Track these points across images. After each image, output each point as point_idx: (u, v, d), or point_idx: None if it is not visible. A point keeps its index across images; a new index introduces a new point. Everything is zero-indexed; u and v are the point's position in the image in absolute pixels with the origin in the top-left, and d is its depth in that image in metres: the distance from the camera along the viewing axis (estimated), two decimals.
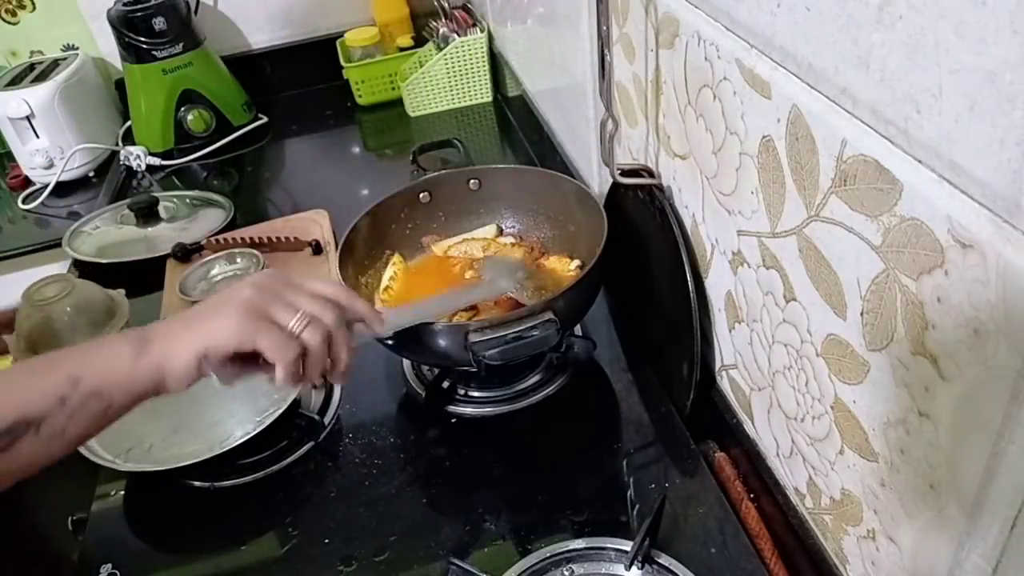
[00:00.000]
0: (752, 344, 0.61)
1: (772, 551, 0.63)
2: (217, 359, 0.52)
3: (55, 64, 1.41)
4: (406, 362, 0.87)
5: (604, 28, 0.65)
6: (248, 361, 0.54)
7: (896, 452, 0.43)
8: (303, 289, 0.56)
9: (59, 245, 1.16)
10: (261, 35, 1.60)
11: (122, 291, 0.98)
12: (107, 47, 1.50)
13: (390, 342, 0.77)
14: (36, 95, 1.31)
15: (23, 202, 1.34)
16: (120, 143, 1.48)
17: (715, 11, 0.54)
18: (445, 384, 0.81)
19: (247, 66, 1.57)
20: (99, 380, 0.50)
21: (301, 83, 1.64)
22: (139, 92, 1.42)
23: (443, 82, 1.45)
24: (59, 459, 0.51)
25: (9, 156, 1.42)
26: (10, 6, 1.48)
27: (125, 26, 1.35)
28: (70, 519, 0.76)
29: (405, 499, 0.73)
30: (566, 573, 0.62)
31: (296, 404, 0.79)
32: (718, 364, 0.71)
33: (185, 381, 0.52)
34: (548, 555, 0.63)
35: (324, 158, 1.47)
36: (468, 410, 0.81)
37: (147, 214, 1.19)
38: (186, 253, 1.09)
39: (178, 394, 0.53)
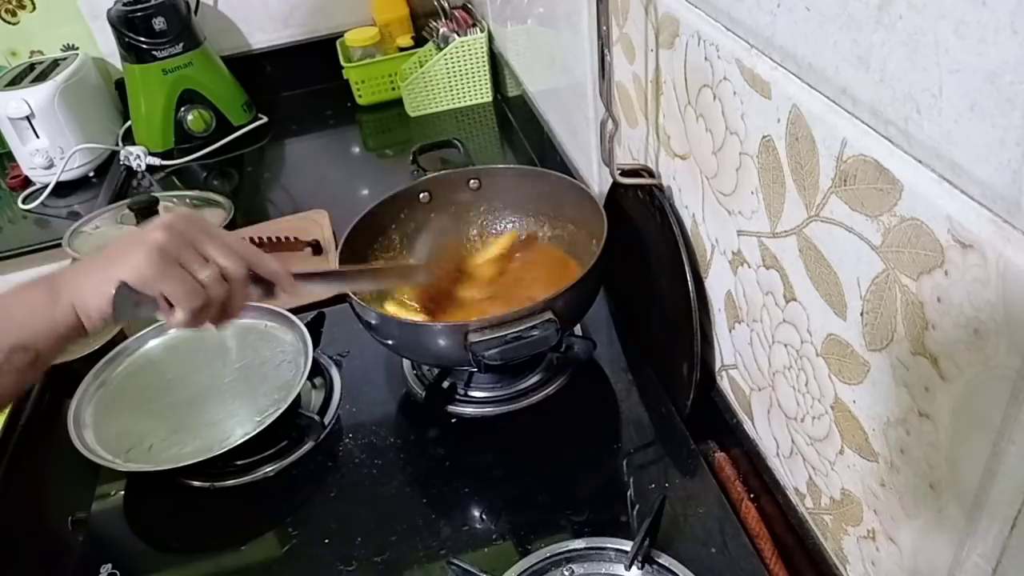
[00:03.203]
0: (752, 344, 0.61)
1: (772, 551, 0.63)
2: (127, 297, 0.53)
3: (55, 64, 1.41)
4: (406, 362, 0.87)
5: (604, 28, 0.65)
6: (150, 300, 0.55)
7: (896, 452, 0.43)
8: (215, 238, 0.57)
9: (59, 245, 1.16)
10: (261, 35, 1.60)
11: None
12: (107, 47, 1.50)
13: (390, 342, 0.77)
14: (36, 95, 1.31)
15: (23, 202, 1.35)
16: (120, 143, 1.48)
17: (715, 11, 0.54)
18: (445, 384, 0.81)
19: (247, 66, 1.57)
20: (21, 333, 0.52)
21: (301, 83, 1.64)
22: (139, 92, 1.42)
23: (443, 82, 1.45)
24: None
25: (9, 156, 1.42)
26: (10, 6, 1.48)
27: (125, 26, 1.35)
28: (70, 519, 0.76)
29: (405, 499, 0.73)
30: (566, 573, 0.62)
31: (296, 404, 0.79)
32: (718, 364, 0.71)
33: (100, 320, 0.54)
34: (548, 555, 0.63)
35: (324, 158, 1.47)
36: (468, 410, 0.81)
37: (147, 214, 1.19)
38: None
39: (95, 332, 0.55)
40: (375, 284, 0.79)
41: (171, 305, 0.54)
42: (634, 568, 0.61)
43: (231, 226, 1.18)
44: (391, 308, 0.83)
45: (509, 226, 0.94)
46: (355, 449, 0.78)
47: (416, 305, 0.83)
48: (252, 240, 1.09)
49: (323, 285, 0.68)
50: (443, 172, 0.94)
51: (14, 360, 0.52)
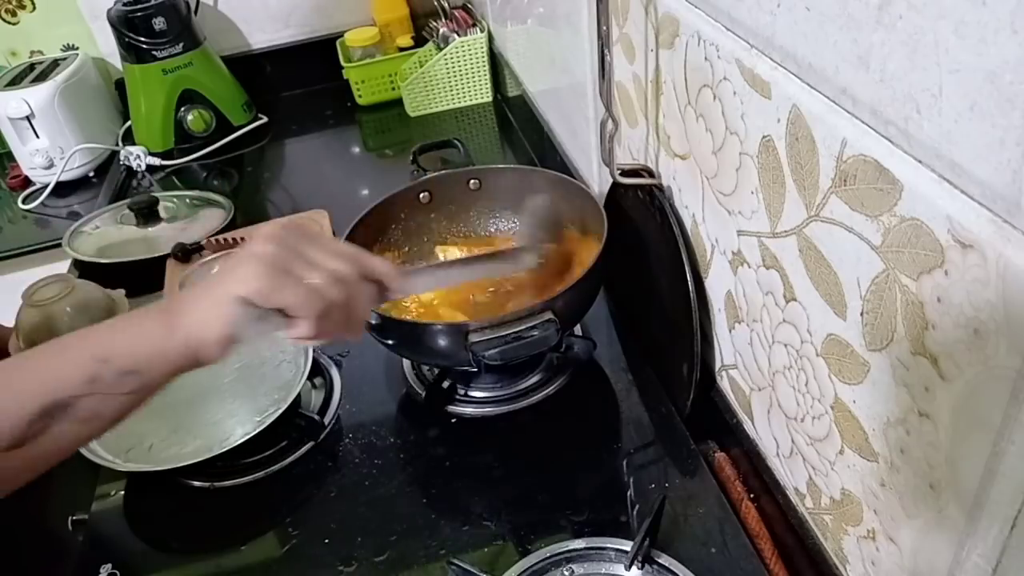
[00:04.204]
0: (752, 344, 0.61)
1: (772, 551, 0.63)
2: (246, 315, 0.50)
3: (55, 64, 1.41)
4: (406, 362, 0.87)
5: (604, 28, 0.65)
6: (270, 316, 0.52)
7: (896, 452, 0.43)
8: (321, 245, 0.54)
9: (59, 245, 1.16)
10: (261, 35, 1.60)
11: (122, 291, 0.98)
12: (107, 47, 1.50)
13: (390, 342, 0.77)
14: (36, 95, 1.31)
15: (23, 202, 1.34)
16: (120, 143, 1.48)
17: (715, 11, 0.54)
18: (445, 384, 0.81)
19: (247, 66, 1.57)
20: (131, 358, 0.49)
21: (301, 83, 1.64)
22: (139, 92, 1.42)
23: (443, 82, 1.45)
24: (100, 436, 0.51)
25: (9, 156, 1.42)
26: (10, 6, 1.48)
27: (125, 26, 1.35)
28: (70, 519, 0.75)
29: (405, 499, 0.73)
30: (566, 573, 0.62)
31: (296, 404, 0.79)
32: (718, 364, 0.71)
33: (220, 348, 0.50)
34: (548, 555, 0.63)
35: (324, 158, 1.47)
36: (468, 410, 0.81)
37: (147, 214, 1.19)
38: (186, 253, 1.09)
39: (217, 362, 0.51)
40: (482, 272, 0.73)
41: (292, 317, 0.52)
42: (634, 568, 0.61)
43: (231, 226, 1.18)
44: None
45: (510, 226, 0.94)
46: (355, 449, 0.78)
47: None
48: None
49: (431, 278, 0.65)
50: (443, 172, 0.94)
51: (123, 384, 0.49)
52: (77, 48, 1.53)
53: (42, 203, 1.34)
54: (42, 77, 1.36)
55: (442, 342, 0.72)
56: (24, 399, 0.47)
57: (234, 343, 0.51)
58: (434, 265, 0.71)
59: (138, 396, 0.51)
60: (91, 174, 1.41)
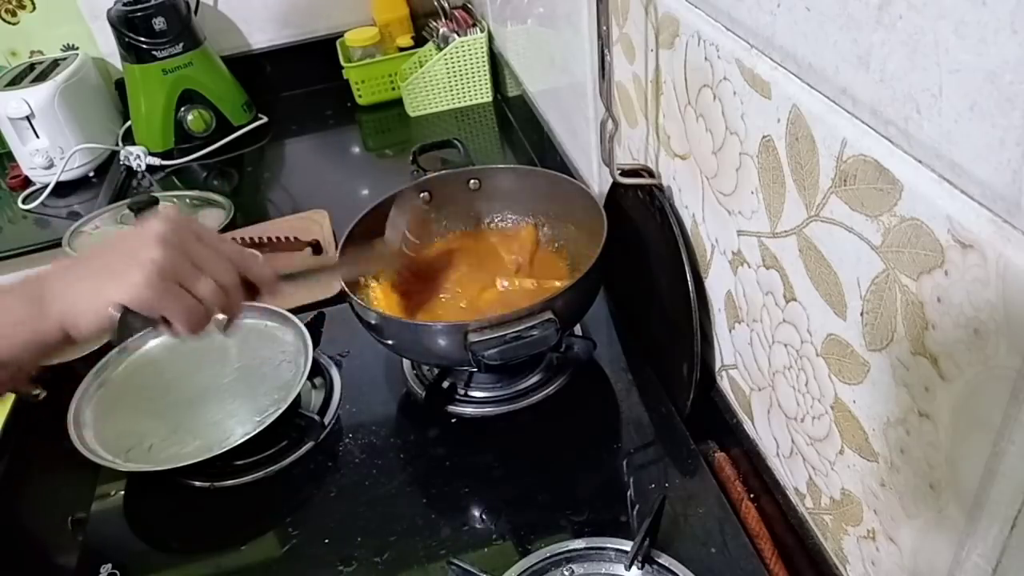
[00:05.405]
0: (752, 344, 0.61)
1: (772, 551, 0.63)
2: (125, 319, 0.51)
3: (55, 64, 1.41)
4: (406, 362, 0.87)
5: (604, 28, 0.65)
6: (150, 320, 0.54)
7: (896, 452, 0.43)
8: (207, 244, 0.55)
9: (59, 245, 1.16)
10: (261, 35, 1.60)
11: None
12: (107, 47, 1.50)
13: (390, 342, 0.77)
14: (36, 95, 1.31)
15: (23, 202, 1.34)
16: (120, 143, 1.48)
17: (715, 11, 0.54)
18: (445, 384, 0.81)
19: (247, 66, 1.57)
20: (5, 351, 0.50)
21: (301, 83, 1.64)
22: (139, 92, 1.42)
23: (443, 82, 1.45)
24: None
25: (9, 156, 1.42)
26: (10, 6, 1.48)
27: (125, 26, 1.35)
28: (70, 519, 0.76)
29: (405, 499, 0.73)
30: (566, 573, 0.62)
31: (296, 404, 0.79)
32: (718, 364, 0.71)
33: (92, 335, 0.52)
34: (548, 555, 0.63)
35: (324, 158, 1.47)
36: (468, 410, 0.81)
37: (147, 214, 1.19)
38: None
39: (83, 345, 0.53)
40: (353, 269, 0.79)
41: (170, 322, 0.54)
42: (634, 568, 0.61)
43: (231, 226, 1.18)
44: (378, 293, 0.86)
45: (510, 226, 0.94)
46: (355, 449, 0.78)
47: (396, 288, 0.85)
48: (252, 241, 1.09)
49: (304, 283, 0.67)
50: (443, 172, 0.94)
51: None
52: (77, 48, 1.53)
53: (42, 203, 1.34)
54: (42, 77, 1.36)
55: (442, 342, 0.72)
56: None
57: (115, 340, 0.53)
58: (303, 271, 0.75)
59: (10, 383, 0.52)
60: (91, 174, 1.41)
